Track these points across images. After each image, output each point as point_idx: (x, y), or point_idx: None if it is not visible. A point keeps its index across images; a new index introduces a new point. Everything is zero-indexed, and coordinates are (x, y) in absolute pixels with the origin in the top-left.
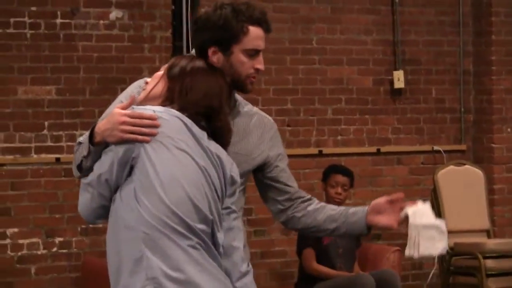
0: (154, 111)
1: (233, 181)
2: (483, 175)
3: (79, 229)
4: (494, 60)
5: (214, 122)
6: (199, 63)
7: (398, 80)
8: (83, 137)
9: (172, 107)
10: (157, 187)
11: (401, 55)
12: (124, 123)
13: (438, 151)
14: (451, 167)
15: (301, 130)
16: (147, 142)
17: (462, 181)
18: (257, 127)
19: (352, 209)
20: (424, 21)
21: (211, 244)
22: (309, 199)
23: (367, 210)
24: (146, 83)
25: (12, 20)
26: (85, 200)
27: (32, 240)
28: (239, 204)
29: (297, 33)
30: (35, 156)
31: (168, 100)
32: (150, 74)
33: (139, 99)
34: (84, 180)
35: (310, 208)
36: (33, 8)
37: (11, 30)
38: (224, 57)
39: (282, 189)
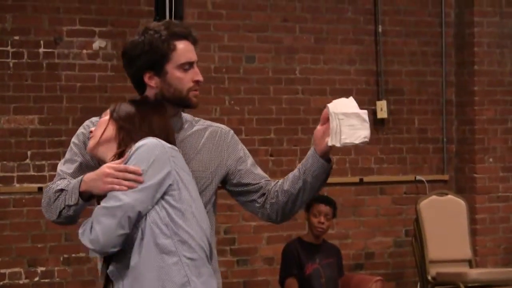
0: (163, 146)
1: None
2: (465, 205)
3: (61, 258)
4: (476, 90)
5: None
6: (140, 100)
7: (381, 110)
8: (64, 185)
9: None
10: (194, 212)
11: (384, 85)
12: (108, 175)
13: (421, 181)
14: (434, 197)
15: (284, 160)
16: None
17: (445, 211)
18: (210, 141)
19: (304, 159)
20: (407, 52)
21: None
22: (275, 182)
23: (313, 147)
24: (91, 132)
25: None
26: (108, 226)
27: (14, 270)
28: (210, 222)
29: (280, 63)
30: (17, 185)
31: (125, 139)
32: None
33: (89, 148)
34: (107, 204)
35: (277, 187)
36: (16, 37)
37: None
38: (161, 79)
39: (252, 190)
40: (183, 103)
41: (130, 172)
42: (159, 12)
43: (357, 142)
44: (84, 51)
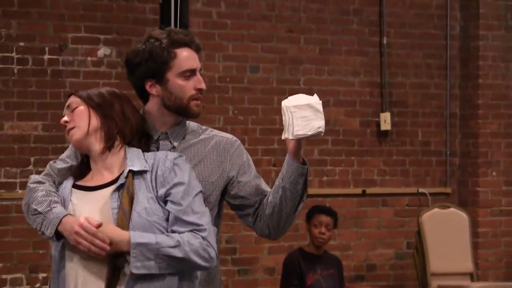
0: (171, 159)
1: None
2: (467, 218)
3: None
4: (480, 103)
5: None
6: (109, 89)
7: (385, 122)
8: (42, 208)
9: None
10: None
11: (388, 97)
12: (77, 233)
13: (423, 194)
14: (436, 209)
15: None
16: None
17: (447, 224)
18: (214, 151)
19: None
20: (411, 64)
21: None
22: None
23: (288, 154)
24: (67, 122)
25: None
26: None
27: (16, 276)
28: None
29: (284, 73)
30: (20, 191)
31: (111, 128)
32: None
33: (76, 139)
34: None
35: (264, 200)
36: (21, 44)
37: None
38: (162, 87)
39: (248, 203)
40: (183, 112)
41: (98, 239)
42: (164, 20)
43: (310, 133)
44: (89, 58)
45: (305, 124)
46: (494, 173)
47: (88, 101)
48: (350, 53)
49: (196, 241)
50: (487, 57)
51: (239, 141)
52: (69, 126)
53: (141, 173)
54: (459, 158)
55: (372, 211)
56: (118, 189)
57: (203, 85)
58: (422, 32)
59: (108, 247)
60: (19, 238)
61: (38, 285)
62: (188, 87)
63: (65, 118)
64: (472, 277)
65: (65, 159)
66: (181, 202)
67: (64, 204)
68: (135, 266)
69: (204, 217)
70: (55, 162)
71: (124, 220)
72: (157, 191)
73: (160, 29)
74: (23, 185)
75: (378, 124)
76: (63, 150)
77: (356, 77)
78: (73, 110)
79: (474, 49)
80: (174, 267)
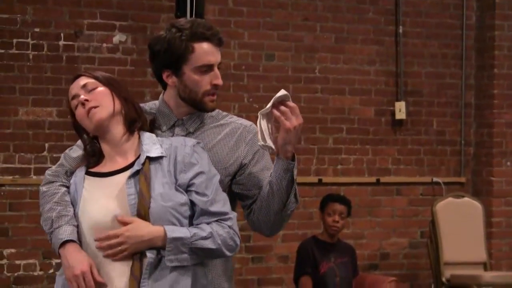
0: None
1: None
2: (481, 208)
3: None
4: (496, 93)
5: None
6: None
7: (400, 111)
8: (46, 228)
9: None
10: None
11: (403, 86)
12: (75, 277)
13: (438, 183)
14: (450, 199)
15: (301, 159)
16: None
17: (461, 214)
18: (230, 136)
19: None
20: (427, 53)
21: None
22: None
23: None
24: (86, 100)
25: (15, 41)
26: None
27: (29, 261)
28: None
29: (300, 62)
30: (34, 177)
31: (131, 112)
32: (153, 98)
33: (100, 118)
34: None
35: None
36: (36, 30)
37: (13, 51)
38: (178, 79)
39: (248, 195)
40: (197, 106)
41: None
42: (180, 7)
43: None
44: (104, 44)
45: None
46: (508, 163)
47: (108, 84)
48: (366, 42)
49: (223, 231)
50: (502, 47)
51: (254, 129)
52: (91, 104)
53: (157, 158)
54: (474, 147)
55: (386, 200)
56: (133, 175)
57: (219, 81)
58: (438, 21)
59: None
60: (33, 224)
61: (51, 271)
62: (203, 82)
63: (84, 97)
64: (485, 266)
65: (81, 145)
66: (205, 192)
67: (76, 191)
68: (169, 259)
69: (226, 204)
70: (71, 149)
71: (144, 206)
72: (175, 177)
73: (185, 19)
74: (38, 171)
75: (393, 113)
76: (77, 136)
77: (372, 66)
78: (91, 90)
79: (490, 39)
80: (204, 258)
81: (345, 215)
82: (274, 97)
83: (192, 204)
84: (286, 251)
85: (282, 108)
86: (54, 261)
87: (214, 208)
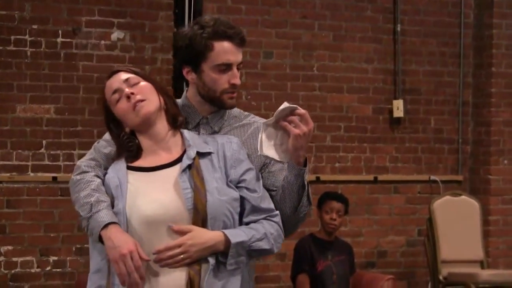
0: None
1: None
2: (479, 206)
3: (73, 248)
4: (493, 92)
5: None
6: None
7: (398, 109)
8: (84, 213)
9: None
10: None
11: (401, 84)
12: (122, 256)
13: (435, 181)
14: (448, 197)
15: None
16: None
17: (458, 212)
18: (253, 136)
19: None
20: (425, 52)
21: None
22: None
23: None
24: (132, 93)
25: (12, 37)
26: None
27: (26, 258)
28: None
29: (298, 59)
30: (31, 174)
31: (171, 110)
32: None
33: (148, 111)
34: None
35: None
36: (34, 26)
37: (11, 48)
38: (197, 76)
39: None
40: (216, 103)
41: (139, 274)
42: (178, 5)
43: (276, 158)
44: (102, 42)
45: (272, 147)
46: (505, 162)
47: (149, 79)
48: (364, 40)
49: (274, 230)
50: (500, 45)
51: None
52: (138, 97)
53: (205, 154)
54: (471, 146)
55: (384, 198)
56: (185, 169)
57: (237, 81)
58: (436, 20)
59: (141, 286)
60: (31, 221)
61: (48, 268)
62: (221, 81)
63: (130, 90)
64: (482, 265)
65: (110, 140)
66: (256, 189)
67: (120, 186)
68: (230, 263)
69: (271, 200)
70: (98, 142)
71: (201, 199)
72: (226, 173)
73: (210, 16)
74: (35, 168)
75: (391, 111)
76: (75, 133)
77: (370, 64)
78: (134, 85)
79: (488, 37)
80: (256, 257)
81: (342, 213)
82: (278, 110)
83: (242, 200)
84: (284, 249)
85: (290, 117)
86: (51, 258)
87: (264, 205)
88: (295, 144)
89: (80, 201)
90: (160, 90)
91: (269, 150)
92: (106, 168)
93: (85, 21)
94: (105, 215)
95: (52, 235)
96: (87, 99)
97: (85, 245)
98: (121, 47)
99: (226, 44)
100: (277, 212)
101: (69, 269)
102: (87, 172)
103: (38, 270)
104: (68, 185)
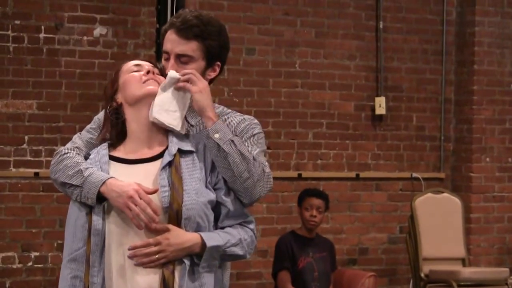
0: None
1: None
2: (460, 204)
3: (55, 244)
4: (475, 89)
5: None
6: None
7: (380, 106)
8: (77, 181)
9: None
10: None
11: (383, 81)
12: (131, 198)
13: (417, 178)
14: (429, 194)
15: (281, 153)
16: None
17: (440, 209)
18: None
19: None
20: (407, 49)
21: None
22: None
23: None
24: (151, 71)
25: None
26: None
27: (8, 254)
28: None
29: (280, 56)
30: (13, 170)
31: None
32: None
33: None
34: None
35: None
36: (17, 22)
37: None
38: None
39: None
40: None
41: (152, 208)
42: (160, 1)
43: (166, 123)
44: (85, 37)
45: (165, 111)
46: (487, 159)
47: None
48: (346, 37)
49: (247, 236)
50: (482, 43)
51: (253, 121)
52: (156, 78)
53: (186, 152)
54: (453, 143)
55: (366, 195)
56: (165, 166)
57: (167, 71)
58: (418, 17)
59: (157, 219)
60: (12, 217)
61: (30, 263)
62: (166, 70)
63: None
64: (464, 262)
65: (91, 131)
66: (231, 194)
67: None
68: (203, 266)
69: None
70: (81, 134)
71: (177, 199)
72: (206, 175)
73: (189, 9)
74: (17, 164)
75: (373, 109)
76: (57, 129)
77: (352, 61)
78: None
79: (470, 35)
80: (227, 261)
81: (322, 209)
82: (168, 77)
83: (218, 204)
84: (265, 246)
85: (185, 77)
86: (33, 254)
87: (239, 211)
88: (197, 103)
89: (68, 173)
90: None
91: (160, 114)
92: (87, 155)
93: (68, 17)
94: (99, 174)
95: (33, 230)
96: (69, 94)
97: None
98: (104, 43)
99: (168, 33)
100: (252, 218)
101: (50, 264)
102: (68, 153)
103: (19, 265)
104: (49, 176)
